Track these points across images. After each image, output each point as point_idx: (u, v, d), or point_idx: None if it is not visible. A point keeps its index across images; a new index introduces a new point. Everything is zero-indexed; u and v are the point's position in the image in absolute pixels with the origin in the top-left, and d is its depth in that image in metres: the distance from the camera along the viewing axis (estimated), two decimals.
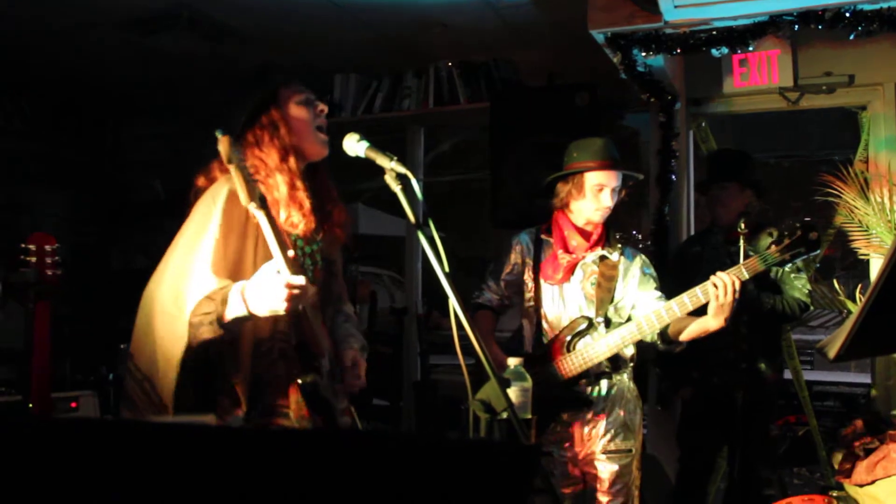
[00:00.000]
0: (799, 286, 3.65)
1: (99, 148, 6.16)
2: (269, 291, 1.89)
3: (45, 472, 0.92)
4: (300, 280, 1.89)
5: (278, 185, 2.12)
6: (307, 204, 2.15)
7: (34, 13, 4.33)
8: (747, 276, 2.73)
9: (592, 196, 2.97)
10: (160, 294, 2.03)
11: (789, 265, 3.45)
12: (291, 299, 1.88)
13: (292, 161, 2.16)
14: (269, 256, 1.97)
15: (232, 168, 1.88)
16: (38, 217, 5.36)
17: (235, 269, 2.06)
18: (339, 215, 2.33)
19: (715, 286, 2.71)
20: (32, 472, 0.92)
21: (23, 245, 3.09)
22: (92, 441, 0.94)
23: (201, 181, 2.21)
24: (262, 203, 1.92)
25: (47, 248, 3.11)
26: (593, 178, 2.96)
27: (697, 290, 2.78)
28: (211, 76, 5.29)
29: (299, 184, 2.15)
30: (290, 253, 1.94)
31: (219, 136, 1.88)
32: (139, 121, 6.23)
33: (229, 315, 1.93)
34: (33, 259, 3.09)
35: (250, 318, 1.95)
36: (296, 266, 1.94)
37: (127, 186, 5.93)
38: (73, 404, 3.92)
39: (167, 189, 5.72)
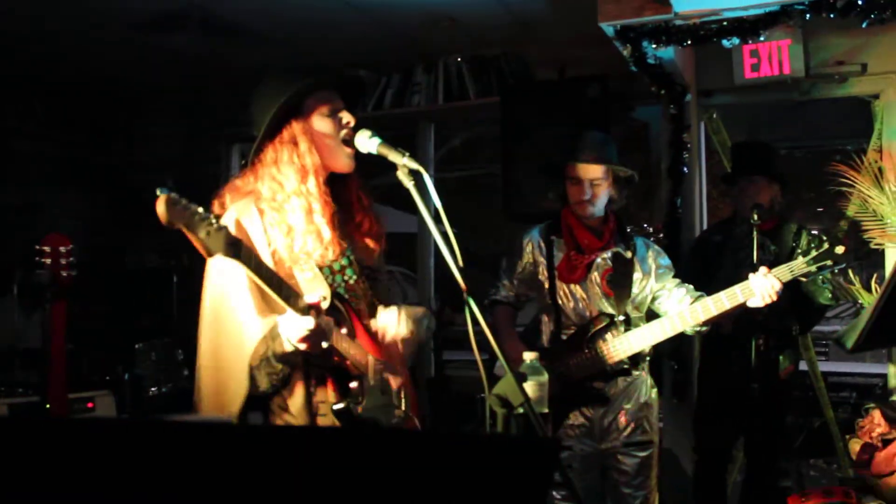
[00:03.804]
0: (823, 290, 3.66)
1: (112, 148, 6.19)
2: (287, 333, 1.87)
3: (62, 473, 0.93)
4: (308, 324, 1.83)
5: (294, 211, 2.01)
6: (327, 234, 2.04)
7: (46, 14, 4.35)
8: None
9: (572, 189, 2.99)
10: (201, 362, 2.03)
11: None
12: (306, 340, 1.85)
13: (312, 182, 2.03)
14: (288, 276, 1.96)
15: (183, 229, 1.66)
16: (52, 218, 5.38)
17: (271, 304, 1.96)
18: (370, 226, 2.23)
19: (758, 286, 2.78)
20: (49, 472, 0.93)
21: (38, 247, 3.11)
22: (107, 441, 0.95)
23: (216, 207, 2.07)
24: (236, 251, 1.73)
25: (62, 249, 3.13)
26: (569, 173, 2.99)
27: (737, 289, 2.82)
28: (222, 75, 5.31)
29: (319, 207, 2.03)
30: (313, 296, 1.90)
31: (158, 195, 1.64)
32: (152, 120, 6.26)
33: (280, 350, 1.90)
34: (48, 261, 3.11)
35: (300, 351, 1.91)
36: (298, 301, 1.86)
37: (140, 186, 5.95)
38: (90, 405, 3.94)
39: (179, 188, 5.72)
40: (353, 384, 2.04)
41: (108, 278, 5.41)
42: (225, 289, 1.99)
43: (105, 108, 6.09)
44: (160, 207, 1.63)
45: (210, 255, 1.70)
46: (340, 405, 2.01)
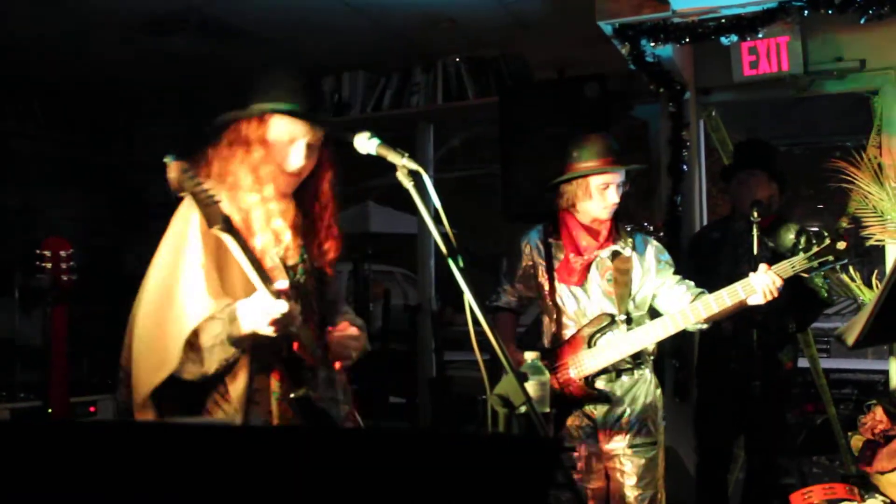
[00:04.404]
0: (821, 290, 3.66)
1: (111, 149, 6.19)
2: (257, 315, 1.90)
3: (64, 475, 0.93)
4: (282, 307, 1.87)
5: (251, 209, 2.06)
6: (287, 237, 2.09)
7: (45, 16, 4.35)
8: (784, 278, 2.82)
9: (599, 195, 2.95)
10: (139, 324, 2.02)
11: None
12: (276, 324, 1.89)
13: (269, 188, 2.08)
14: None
15: (187, 196, 1.82)
16: (52, 220, 5.39)
17: (227, 289, 2.02)
18: (331, 230, 2.25)
19: (759, 284, 2.79)
20: (51, 474, 0.93)
21: (38, 251, 3.11)
22: (109, 443, 0.95)
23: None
24: (228, 226, 1.88)
25: (62, 253, 3.13)
26: (598, 178, 2.95)
27: (738, 286, 2.82)
28: (222, 76, 5.31)
29: (275, 209, 2.08)
30: (282, 283, 1.94)
31: (168, 162, 1.82)
32: (151, 122, 6.26)
33: (237, 333, 1.92)
34: (48, 265, 3.11)
35: (255, 335, 1.94)
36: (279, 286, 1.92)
37: (139, 187, 5.95)
38: (92, 408, 3.94)
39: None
40: (307, 374, 2.07)
41: (108, 280, 5.41)
42: (179, 261, 2.00)
43: (104, 109, 6.10)
44: (172, 173, 1.83)
45: (210, 225, 1.86)
46: (300, 392, 2.03)
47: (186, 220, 2.04)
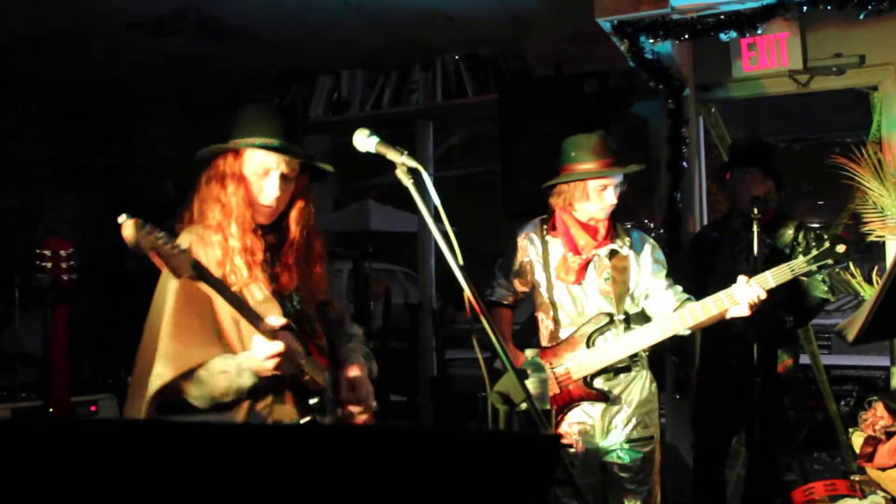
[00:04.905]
0: (819, 284, 3.66)
1: (111, 150, 6.19)
2: (258, 362, 1.94)
3: (65, 473, 0.93)
4: (279, 348, 1.91)
5: (214, 246, 2.09)
6: (245, 272, 2.07)
7: (43, 17, 4.35)
8: (773, 285, 2.81)
9: (596, 197, 2.93)
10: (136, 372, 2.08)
11: None
12: (278, 364, 1.93)
13: (234, 226, 2.08)
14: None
15: (149, 252, 1.78)
16: (52, 221, 5.39)
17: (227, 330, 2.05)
18: (307, 271, 2.24)
19: (744, 290, 2.78)
20: (52, 472, 0.93)
21: (38, 251, 3.12)
22: (109, 442, 0.95)
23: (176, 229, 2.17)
24: (200, 272, 1.85)
25: (62, 253, 3.13)
26: (596, 180, 2.92)
27: (723, 295, 2.82)
28: (220, 76, 5.31)
29: (238, 247, 2.07)
30: (274, 319, 1.97)
31: (122, 222, 1.76)
32: (150, 122, 6.26)
33: (248, 382, 1.97)
34: (49, 265, 3.11)
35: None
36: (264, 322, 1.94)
37: (140, 188, 5.96)
38: (93, 408, 3.95)
39: (179, 189, 5.74)
40: (314, 400, 2.10)
41: (109, 280, 5.41)
42: (160, 318, 2.03)
43: (104, 110, 6.10)
44: (127, 231, 1.74)
45: (178, 276, 1.81)
46: (306, 419, 2.07)
47: (167, 275, 2.02)
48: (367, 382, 2.29)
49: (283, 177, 2.13)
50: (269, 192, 2.12)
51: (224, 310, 2.01)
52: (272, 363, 1.93)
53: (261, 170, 2.11)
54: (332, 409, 2.18)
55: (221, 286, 1.90)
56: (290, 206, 2.21)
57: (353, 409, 2.24)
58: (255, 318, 1.92)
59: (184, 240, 2.06)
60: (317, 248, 2.26)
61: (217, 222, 2.09)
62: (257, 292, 2.08)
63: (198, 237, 2.10)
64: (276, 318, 1.98)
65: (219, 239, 2.08)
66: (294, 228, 2.21)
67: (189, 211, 2.16)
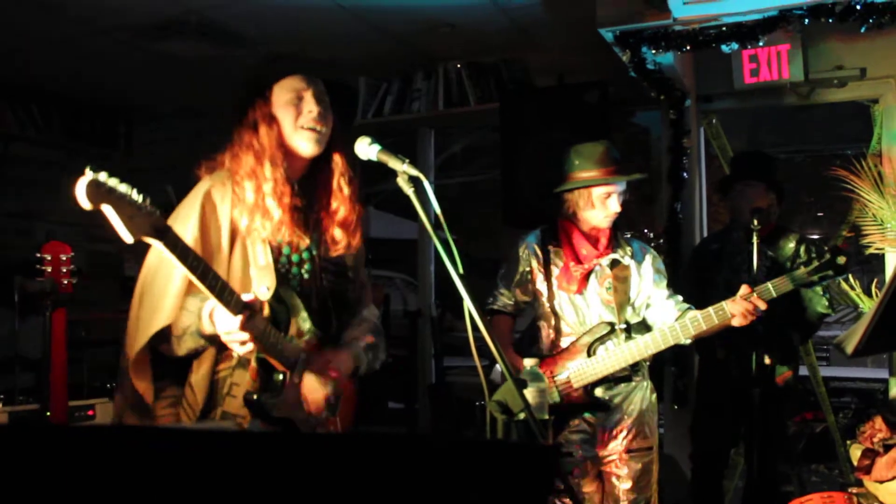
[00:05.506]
0: (820, 299, 3.66)
1: (111, 154, 6.19)
2: (219, 327, 1.93)
3: (62, 479, 0.93)
4: (234, 324, 1.88)
5: (245, 192, 2.09)
6: (276, 213, 2.07)
7: (44, 20, 4.35)
8: (775, 296, 2.83)
9: (600, 204, 2.96)
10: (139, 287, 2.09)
11: None
12: (232, 338, 1.92)
13: (268, 167, 2.09)
14: (246, 258, 2.05)
15: (105, 211, 1.72)
16: (52, 224, 5.39)
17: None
18: (345, 215, 2.23)
19: (742, 303, 2.80)
20: (49, 478, 0.93)
21: (38, 255, 3.12)
22: (107, 447, 0.95)
23: (202, 171, 2.19)
24: (159, 233, 1.76)
25: (62, 257, 3.13)
26: (600, 188, 2.95)
27: (724, 304, 2.83)
28: (221, 80, 5.31)
29: (270, 189, 2.07)
30: (247, 295, 1.94)
31: (79, 180, 1.70)
32: (151, 126, 6.26)
33: (207, 330, 1.96)
34: (48, 268, 3.11)
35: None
36: (217, 289, 1.86)
37: (140, 191, 5.96)
38: (91, 412, 3.94)
39: (179, 193, 5.74)
40: (280, 377, 2.08)
41: (108, 284, 5.41)
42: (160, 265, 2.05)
43: (104, 114, 6.10)
44: (80, 190, 1.71)
45: (136, 236, 1.74)
46: (253, 393, 2.05)
47: (194, 199, 2.10)
48: (320, 394, 2.18)
49: (318, 98, 2.16)
50: (308, 111, 2.15)
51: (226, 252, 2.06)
52: (231, 339, 1.91)
53: (293, 94, 2.15)
54: (294, 392, 2.12)
55: (184, 250, 1.80)
56: (325, 161, 2.22)
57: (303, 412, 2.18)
58: (224, 291, 1.85)
59: (203, 182, 2.11)
60: (356, 205, 2.26)
61: (251, 168, 2.10)
62: (261, 257, 2.09)
63: (220, 182, 2.12)
64: (247, 295, 1.94)
65: (251, 184, 2.08)
66: (332, 184, 2.23)
67: (219, 159, 2.18)
